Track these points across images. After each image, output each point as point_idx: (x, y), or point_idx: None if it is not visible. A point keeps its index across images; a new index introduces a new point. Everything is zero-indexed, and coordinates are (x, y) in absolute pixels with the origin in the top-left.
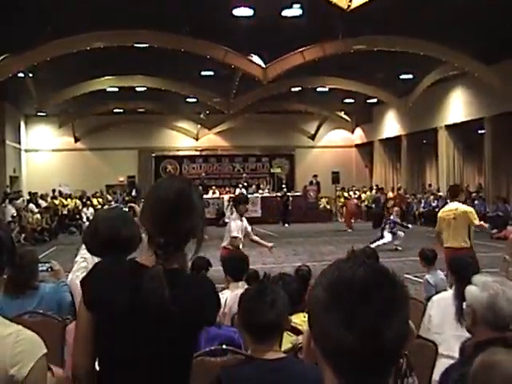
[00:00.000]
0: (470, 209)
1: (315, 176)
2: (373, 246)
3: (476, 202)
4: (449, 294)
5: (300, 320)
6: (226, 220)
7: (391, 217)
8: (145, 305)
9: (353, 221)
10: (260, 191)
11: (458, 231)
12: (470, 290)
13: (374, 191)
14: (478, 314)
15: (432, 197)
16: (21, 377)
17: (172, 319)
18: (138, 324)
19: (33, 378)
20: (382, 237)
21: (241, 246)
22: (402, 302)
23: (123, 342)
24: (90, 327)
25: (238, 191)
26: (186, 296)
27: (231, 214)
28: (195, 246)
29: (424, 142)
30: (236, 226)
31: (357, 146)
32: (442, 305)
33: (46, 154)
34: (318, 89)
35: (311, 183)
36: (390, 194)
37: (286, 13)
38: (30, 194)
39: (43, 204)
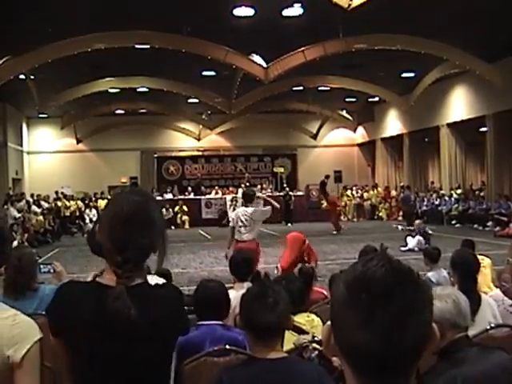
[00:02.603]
0: None
1: (327, 177)
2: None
3: (478, 200)
4: None
5: (303, 320)
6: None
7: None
8: (112, 327)
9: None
10: (263, 191)
11: None
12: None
13: (377, 189)
14: (446, 325)
15: (434, 195)
16: (17, 358)
17: (142, 337)
18: (107, 347)
19: (29, 359)
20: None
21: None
22: (424, 304)
23: (94, 367)
24: (64, 352)
25: (240, 191)
26: (152, 310)
27: (245, 206)
28: (158, 260)
29: (426, 140)
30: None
31: (359, 144)
32: None
33: (48, 155)
34: (320, 88)
35: (322, 183)
36: (394, 193)
37: (287, 12)
38: (31, 195)
39: (45, 206)
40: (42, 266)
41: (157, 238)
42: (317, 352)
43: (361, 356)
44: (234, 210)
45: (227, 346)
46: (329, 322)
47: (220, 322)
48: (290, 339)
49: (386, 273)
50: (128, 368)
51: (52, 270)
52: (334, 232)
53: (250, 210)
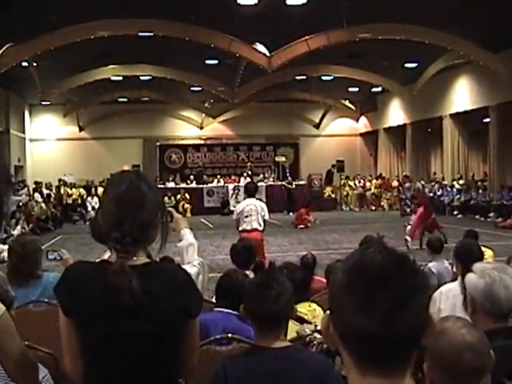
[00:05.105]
0: None
1: (333, 166)
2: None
3: (480, 190)
4: (456, 284)
5: (305, 309)
6: (232, 208)
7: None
8: (115, 300)
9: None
10: (265, 180)
11: None
12: (470, 278)
13: (381, 179)
14: (477, 302)
15: (437, 185)
16: None
17: (146, 312)
18: (114, 323)
19: None
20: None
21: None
22: (420, 290)
23: (103, 345)
24: (73, 333)
25: (242, 180)
26: (156, 285)
27: (242, 198)
28: (161, 237)
29: (429, 130)
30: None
31: (361, 134)
32: (450, 296)
33: (51, 143)
34: (323, 77)
35: (329, 172)
36: (395, 183)
37: (291, 1)
38: (35, 183)
39: (47, 193)
40: (49, 253)
41: (153, 214)
42: (321, 342)
43: (361, 341)
44: (237, 198)
45: (229, 335)
46: (328, 311)
47: (237, 313)
48: (292, 329)
49: (383, 259)
50: (135, 348)
51: (59, 257)
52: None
53: (254, 201)
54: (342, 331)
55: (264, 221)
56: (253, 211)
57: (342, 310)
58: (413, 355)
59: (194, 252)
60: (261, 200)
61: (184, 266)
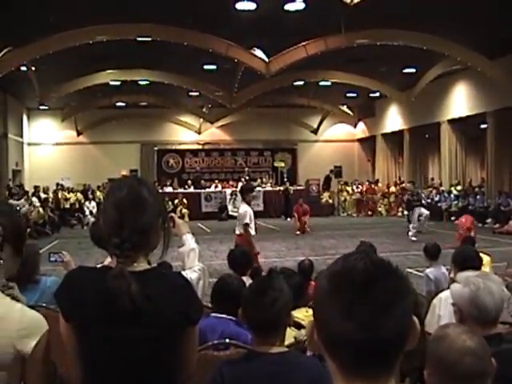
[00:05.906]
0: None
1: (331, 171)
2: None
3: (478, 196)
4: None
5: (302, 315)
6: (231, 213)
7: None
8: (114, 305)
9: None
10: (262, 185)
11: None
12: (454, 288)
13: (377, 185)
14: (463, 311)
15: (434, 191)
16: (28, 351)
17: (146, 315)
18: (113, 326)
19: (38, 351)
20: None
21: (253, 233)
22: (403, 295)
23: (102, 347)
24: (72, 336)
25: (240, 185)
26: (157, 291)
27: (240, 202)
28: (163, 243)
29: (426, 136)
30: (247, 213)
31: (359, 140)
32: (449, 303)
33: (49, 147)
34: (321, 83)
35: (327, 178)
36: (393, 189)
37: (289, 6)
38: (34, 187)
39: (45, 197)
40: (50, 255)
41: (153, 219)
42: None
43: (345, 347)
44: (234, 203)
45: (227, 340)
46: (312, 319)
47: (233, 318)
48: (289, 334)
49: (365, 265)
50: (134, 350)
51: (60, 259)
52: None
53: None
54: (326, 337)
55: (246, 225)
56: (237, 216)
57: (327, 317)
58: (397, 360)
59: (195, 257)
60: (249, 204)
61: (185, 272)
